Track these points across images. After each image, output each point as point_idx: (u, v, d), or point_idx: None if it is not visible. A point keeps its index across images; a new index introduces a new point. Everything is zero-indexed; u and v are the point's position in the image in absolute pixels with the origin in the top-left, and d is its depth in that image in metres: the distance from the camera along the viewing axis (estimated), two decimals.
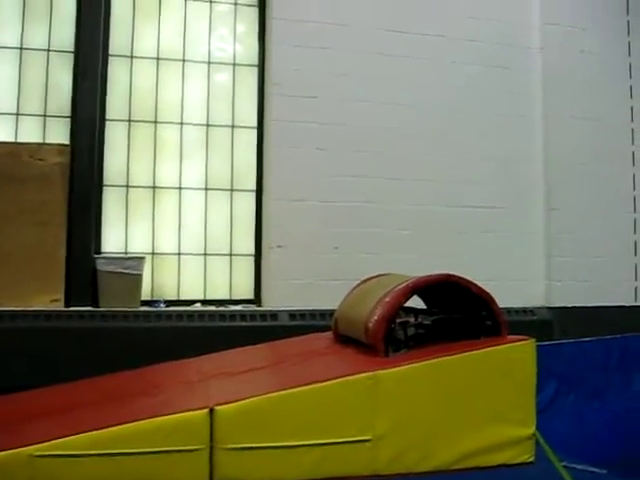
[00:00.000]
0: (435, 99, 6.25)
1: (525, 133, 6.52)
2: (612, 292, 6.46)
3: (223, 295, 5.95)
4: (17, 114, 5.58)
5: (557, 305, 6.32)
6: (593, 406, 5.16)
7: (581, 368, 5.43)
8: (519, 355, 3.52)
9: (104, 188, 5.72)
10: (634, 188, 6.76)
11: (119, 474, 2.81)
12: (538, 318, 6.20)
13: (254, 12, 6.18)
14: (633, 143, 6.78)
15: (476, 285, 3.68)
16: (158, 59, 5.94)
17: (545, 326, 6.13)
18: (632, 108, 6.80)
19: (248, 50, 6.17)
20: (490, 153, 6.38)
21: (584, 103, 6.57)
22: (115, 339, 5.13)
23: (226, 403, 3.03)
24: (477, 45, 6.41)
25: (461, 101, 6.33)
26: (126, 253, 5.74)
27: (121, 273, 5.40)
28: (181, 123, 5.95)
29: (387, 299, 3.59)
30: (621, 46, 6.82)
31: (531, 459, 3.47)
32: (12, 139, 5.51)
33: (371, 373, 3.26)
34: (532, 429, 3.38)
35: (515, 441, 3.44)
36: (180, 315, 5.44)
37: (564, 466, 2.03)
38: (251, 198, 6.05)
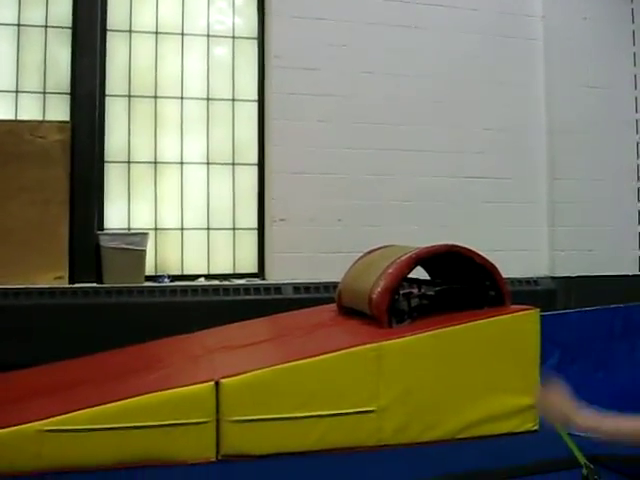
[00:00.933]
0: (436, 69, 6.20)
1: (527, 102, 6.48)
2: (616, 261, 6.45)
3: (227, 269, 5.95)
4: (16, 91, 5.55)
5: (561, 275, 6.31)
6: (597, 375, 5.17)
7: (585, 338, 5.44)
8: (523, 325, 3.53)
9: (105, 164, 5.71)
10: (638, 156, 6.72)
11: (126, 447, 2.84)
12: (542, 288, 6.20)
13: None
14: (637, 111, 6.73)
15: (479, 255, 3.69)
16: (157, 33, 5.89)
17: (549, 296, 6.14)
18: (635, 76, 6.74)
19: (247, 22, 6.12)
20: (492, 123, 6.34)
21: (587, 71, 6.51)
22: (120, 315, 5.15)
23: (232, 376, 3.05)
24: (478, 14, 6.34)
25: (462, 71, 6.28)
26: (129, 229, 5.73)
27: (124, 249, 5.41)
28: (181, 97, 5.92)
29: (390, 270, 3.60)
30: (624, 13, 6.74)
31: (535, 427, 3.50)
32: (12, 117, 5.48)
33: (375, 344, 3.28)
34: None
35: (519, 410, 3.46)
36: (184, 290, 5.46)
37: (568, 434, 2.04)
38: (253, 172, 6.03)
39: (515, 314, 3.55)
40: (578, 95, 6.48)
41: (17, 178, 5.20)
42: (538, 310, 3.61)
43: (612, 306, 5.63)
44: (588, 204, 6.46)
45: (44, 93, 5.59)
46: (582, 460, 2.08)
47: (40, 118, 5.51)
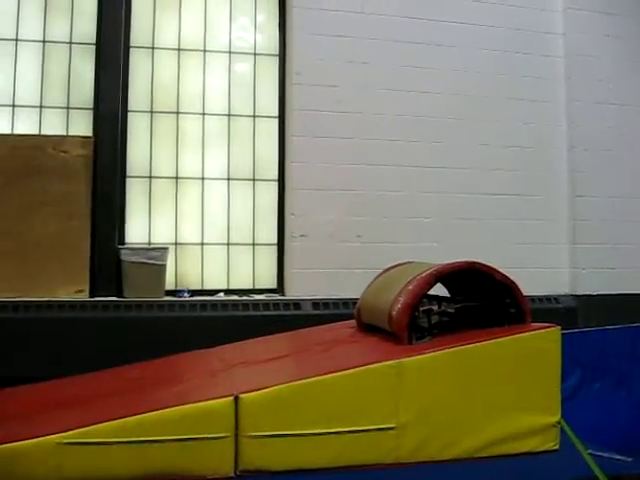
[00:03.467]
0: (457, 86, 6.20)
1: (548, 119, 6.46)
2: (638, 279, 6.39)
3: (246, 284, 5.96)
4: (40, 107, 5.62)
5: (582, 293, 6.26)
6: (619, 394, 5.11)
7: (606, 356, 5.37)
8: (544, 343, 3.50)
9: (127, 179, 5.76)
10: None
11: (145, 461, 2.84)
12: (563, 306, 6.15)
13: (274, 1, 6.16)
14: None
15: (500, 272, 3.67)
16: (179, 50, 5.95)
17: (570, 314, 6.09)
18: None
19: (269, 39, 6.16)
20: (513, 140, 6.33)
21: (609, 88, 6.48)
22: (139, 329, 5.17)
23: (251, 391, 3.04)
24: (499, 31, 6.35)
25: (482, 88, 6.28)
26: (150, 244, 5.77)
27: (145, 263, 5.44)
28: (203, 113, 5.97)
29: (410, 287, 3.59)
30: None
31: (556, 447, 3.46)
32: (36, 132, 5.55)
33: (395, 361, 3.27)
34: (557, 417, 3.37)
35: (540, 429, 3.43)
36: (204, 305, 5.47)
37: (589, 454, 2.02)
38: (273, 188, 6.06)
39: (536, 332, 3.52)
40: (600, 112, 6.45)
41: (40, 192, 5.26)
42: (559, 328, 3.58)
43: (634, 325, 5.57)
44: (610, 222, 6.41)
45: (68, 108, 5.66)
46: None
47: (63, 133, 5.57)
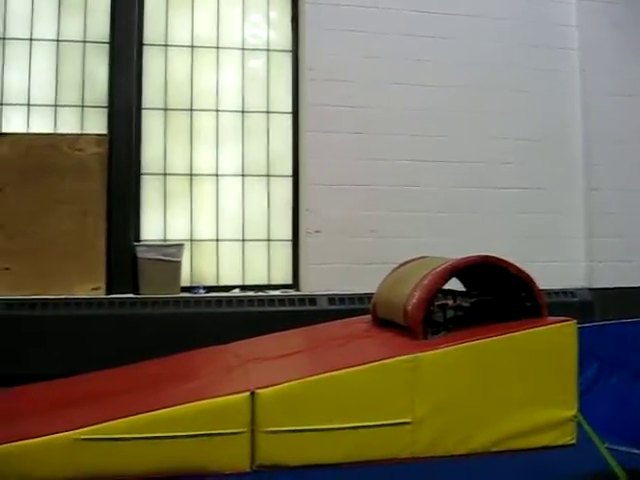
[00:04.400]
0: (471, 79, 6.18)
1: (563, 112, 6.43)
2: None
3: (261, 280, 5.98)
4: (55, 105, 5.66)
5: (598, 286, 6.23)
6: (636, 388, 5.07)
7: (623, 350, 5.34)
8: (560, 337, 3.48)
9: (142, 177, 5.78)
10: None
11: (161, 457, 2.85)
12: (579, 299, 6.13)
13: None
14: None
15: (515, 266, 3.65)
16: (192, 47, 5.96)
17: (586, 307, 6.06)
18: None
19: (282, 35, 6.17)
20: (528, 133, 6.30)
21: (623, 80, 6.45)
22: (155, 325, 5.20)
23: (267, 386, 3.04)
24: (512, 23, 6.33)
25: (497, 80, 6.25)
26: (165, 240, 5.79)
27: (161, 260, 5.46)
28: (216, 110, 5.98)
29: (425, 282, 3.58)
30: None
31: (573, 441, 3.44)
32: (51, 130, 5.59)
33: (410, 356, 3.26)
34: (574, 411, 3.34)
35: (556, 423, 3.41)
36: (219, 301, 5.49)
37: (606, 448, 2.01)
38: (288, 183, 6.06)
39: (552, 326, 3.50)
40: (614, 104, 6.41)
41: (55, 190, 5.29)
42: (576, 322, 3.56)
43: None
44: (626, 214, 6.37)
45: (82, 107, 5.69)
46: (621, 475, 2.05)
47: (78, 131, 5.61)
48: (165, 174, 5.85)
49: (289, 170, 6.07)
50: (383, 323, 4.06)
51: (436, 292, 3.59)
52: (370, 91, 5.95)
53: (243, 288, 5.87)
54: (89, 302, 5.22)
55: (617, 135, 6.40)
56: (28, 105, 5.61)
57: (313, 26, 5.91)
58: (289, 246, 6.03)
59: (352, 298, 5.61)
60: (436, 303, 3.63)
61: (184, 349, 4.25)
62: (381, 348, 3.71)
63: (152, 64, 5.87)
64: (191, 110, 5.93)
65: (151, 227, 5.80)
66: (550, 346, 3.46)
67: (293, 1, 6.14)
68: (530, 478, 3.12)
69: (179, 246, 5.60)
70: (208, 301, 5.48)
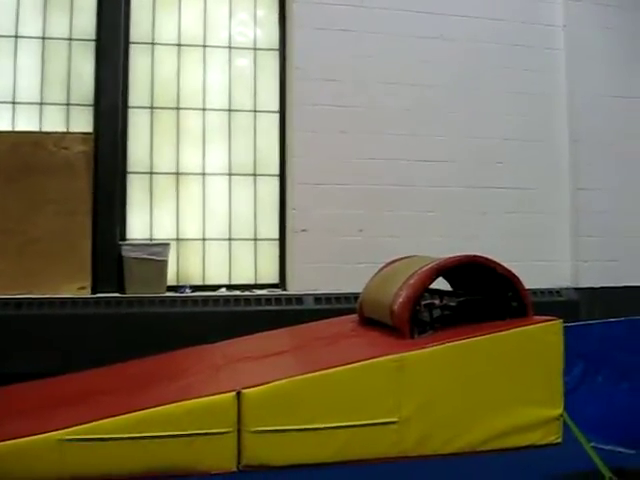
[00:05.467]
0: (457, 79, 6.20)
1: (549, 112, 6.45)
2: None
3: (248, 280, 5.97)
4: (41, 103, 5.62)
5: (584, 286, 6.26)
6: (621, 387, 5.10)
7: (609, 349, 5.37)
8: (546, 336, 3.49)
9: (128, 175, 5.76)
10: None
11: (147, 457, 2.84)
12: (565, 299, 6.16)
13: None
14: None
15: (501, 266, 3.66)
16: (179, 45, 5.95)
17: (572, 307, 6.09)
18: None
19: (269, 34, 6.16)
20: (515, 133, 6.32)
21: (609, 80, 6.48)
22: (141, 325, 5.18)
23: (253, 386, 3.04)
24: (501, 24, 6.34)
25: (484, 81, 6.27)
26: (151, 239, 5.77)
27: (146, 259, 5.44)
28: (203, 109, 5.96)
29: (412, 281, 3.58)
30: None
31: (559, 440, 3.45)
32: (36, 128, 5.56)
33: (397, 355, 3.26)
34: (560, 410, 3.36)
35: (542, 422, 3.42)
36: (206, 300, 5.48)
37: (592, 447, 2.02)
38: (275, 182, 6.06)
39: (538, 325, 3.51)
40: (601, 104, 6.44)
41: (41, 189, 5.26)
42: (562, 321, 3.57)
43: (637, 317, 5.56)
44: (612, 214, 6.40)
45: (68, 105, 5.66)
46: (607, 474, 2.06)
47: (64, 129, 5.57)
48: (151, 173, 5.83)
49: (276, 169, 6.06)
50: (370, 322, 4.06)
51: (423, 291, 3.60)
52: (357, 90, 5.95)
53: (229, 287, 5.86)
54: (74, 301, 5.20)
55: (603, 135, 6.43)
56: (13, 103, 5.57)
57: (300, 25, 5.91)
58: (276, 245, 6.03)
59: (339, 297, 5.61)
60: (423, 302, 3.64)
61: (170, 349, 4.23)
62: (367, 347, 3.72)
63: (139, 62, 5.84)
64: (178, 109, 5.91)
65: (137, 226, 5.78)
66: (536, 345, 3.47)
67: (280, 0, 6.12)
68: (516, 477, 3.12)
69: (165, 245, 5.59)
70: (194, 300, 5.47)
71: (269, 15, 6.17)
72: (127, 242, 5.61)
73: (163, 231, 5.84)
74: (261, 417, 3.01)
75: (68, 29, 5.70)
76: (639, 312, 5.57)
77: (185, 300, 5.47)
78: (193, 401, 2.96)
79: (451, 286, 4.12)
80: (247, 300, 5.55)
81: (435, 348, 3.32)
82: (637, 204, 6.48)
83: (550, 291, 6.16)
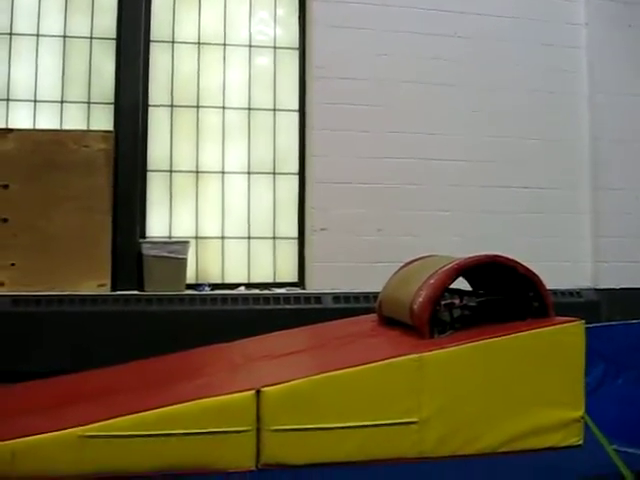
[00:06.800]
0: (477, 78, 6.16)
1: (571, 111, 6.40)
2: None
3: (267, 278, 5.97)
4: (62, 102, 5.65)
5: (604, 286, 6.21)
6: None
7: (630, 350, 5.33)
8: (567, 337, 3.46)
9: (148, 173, 5.78)
10: None
11: (166, 455, 2.85)
12: (585, 300, 6.11)
13: None
14: None
15: (522, 265, 3.63)
16: (199, 44, 5.96)
17: (592, 308, 6.04)
18: None
19: (289, 33, 6.16)
20: (535, 132, 6.28)
21: (631, 79, 6.42)
22: (160, 323, 5.19)
23: (272, 385, 3.04)
24: (520, 22, 6.30)
25: (504, 79, 6.24)
26: (170, 237, 5.79)
27: (166, 257, 5.45)
28: (223, 107, 5.97)
29: (432, 281, 3.56)
30: None
31: (580, 442, 3.42)
32: (57, 126, 5.59)
33: (416, 355, 3.25)
34: (581, 412, 3.33)
35: (563, 424, 3.39)
36: (225, 298, 5.48)
37: (613, 449, 1.99)
38: (294, 181, 6.05)
39: (560, 326, 3.49)
40: (622, 103, 6.39)
41: (62, 187, 5.29)
42: (583, 322, 3.54)
43: None
44: (633, 214, 6.35)
45: (89, 103, 5.69)
46: (628, 476, 2.03)
47: (84, 128, 5.60)
48: (171, 171, 5.85)
49: (295, 168, 6.06)
50: (389, 322, 4.05)
51: (443, 291, 3.58)
52: (377, 89, 5.93)
53: (248, 286, 5.86)
54: (94, 299, 5.22)
55: (625, 135, 6.37)
56: (35, 101, 5.61)
57: (320, 23, 5.90)
58: (295, 244, 6.02)
59: (357, 297, 5.60)
60: (442, 302, 3.62)
61: (189, 347, 4.24)
62: (387, 347, 3.71)
63: (159, 61, 5.86)
64: (197, 107, 5.92)
65: (157, 224, 5.80)
66: (557, 346, 3.45)
67: None
68: (536, 479, 3.10)
69: (184, 243, 5.60)
70: (213, 299, 5.48)
71: (289, 14, 6.17)
72: (147, 240, 5.63)
73: (182, 229, 5.85)
74: (280, 416, 3.01)
75: (89, 28, 5.73)
76: None
77: (204, 298, 5.47)
78: (212, 399, 2.97)
79: (471, 286, 4.10)
80: (266, 299, 5.56)
81: (455, 348, 3.31)
82: None
83: (570, 292, 6.12)
